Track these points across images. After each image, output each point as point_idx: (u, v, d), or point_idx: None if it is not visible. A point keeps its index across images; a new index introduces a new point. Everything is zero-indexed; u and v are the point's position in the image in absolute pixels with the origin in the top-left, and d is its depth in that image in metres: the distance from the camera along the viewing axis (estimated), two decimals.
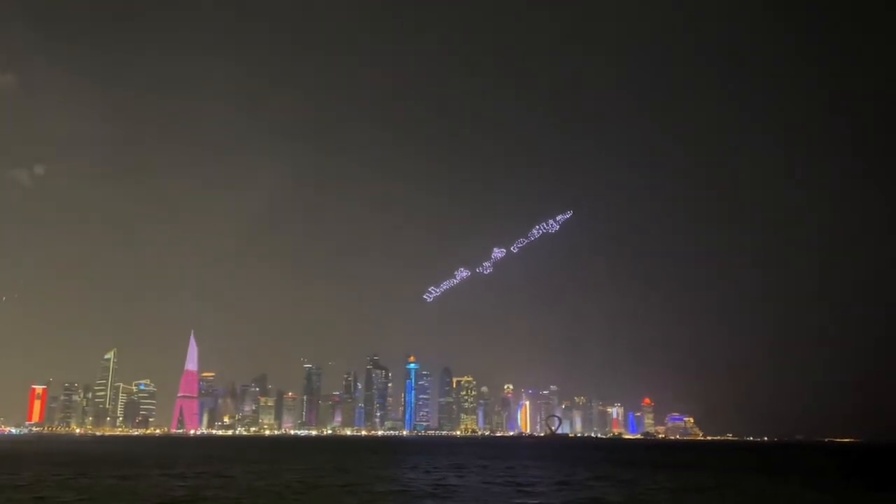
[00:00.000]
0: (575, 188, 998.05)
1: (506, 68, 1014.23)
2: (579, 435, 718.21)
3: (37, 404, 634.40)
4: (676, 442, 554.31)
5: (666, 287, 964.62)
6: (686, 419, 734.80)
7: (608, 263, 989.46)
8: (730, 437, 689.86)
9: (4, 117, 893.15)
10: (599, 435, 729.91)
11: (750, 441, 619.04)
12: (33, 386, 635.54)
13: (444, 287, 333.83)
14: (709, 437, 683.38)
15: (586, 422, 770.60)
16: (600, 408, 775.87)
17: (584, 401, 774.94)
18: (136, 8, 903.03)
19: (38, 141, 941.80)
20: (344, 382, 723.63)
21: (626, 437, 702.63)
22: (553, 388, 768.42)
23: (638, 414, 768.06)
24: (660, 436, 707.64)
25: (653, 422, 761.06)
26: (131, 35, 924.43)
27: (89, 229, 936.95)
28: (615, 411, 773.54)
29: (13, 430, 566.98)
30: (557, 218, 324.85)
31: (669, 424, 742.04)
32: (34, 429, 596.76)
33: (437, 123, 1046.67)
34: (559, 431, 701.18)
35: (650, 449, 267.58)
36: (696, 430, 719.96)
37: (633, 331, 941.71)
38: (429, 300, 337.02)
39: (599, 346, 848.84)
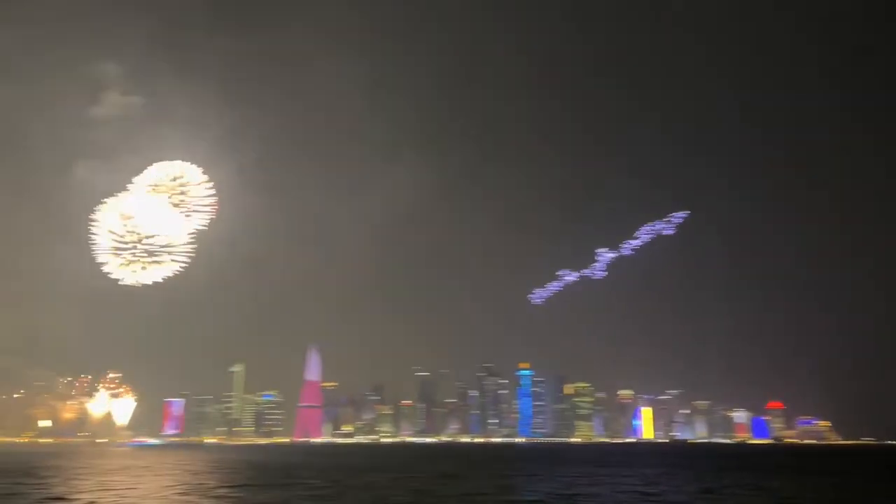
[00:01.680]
0: (689, 185, 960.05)
1: (619, 68, 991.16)
2: (703, 440, 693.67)
3: (172, 416, 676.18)
4: (809, 447, 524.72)
5: (789, 285, 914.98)
6: (817, 422, 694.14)
7: (727, 262, 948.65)
8: (868, 440, 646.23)
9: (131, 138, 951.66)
10: (724, 440, 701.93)
11: (890, 445, 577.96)
12: (169, 399, 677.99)
13: (551, 289, 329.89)
14: (844, 442, 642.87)
15: (709, 427, 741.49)
16: (724, 412, 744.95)
17: (707, 405, 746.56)
18: (253, 21, 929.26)
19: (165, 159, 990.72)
20: (458, 390, 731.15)
21: (753, 442, 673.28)
22: (673, 392, 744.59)
23: (765, 418, 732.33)
24: (789, 440, 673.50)
25: (782, 426, 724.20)
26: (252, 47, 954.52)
27: None
28: (740, 416, 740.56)
29: (152, 441, 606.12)
30: (670, 216, 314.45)
31: (799, 428, 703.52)
32: (170, 439, 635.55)
33: (539, 122, 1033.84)
34: (681, 437, 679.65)
35: (782, 454, 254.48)
36: (830, 433, 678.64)
37: (756, 332, 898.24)
38: (537, 302, 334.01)
39: (720, 348, 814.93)
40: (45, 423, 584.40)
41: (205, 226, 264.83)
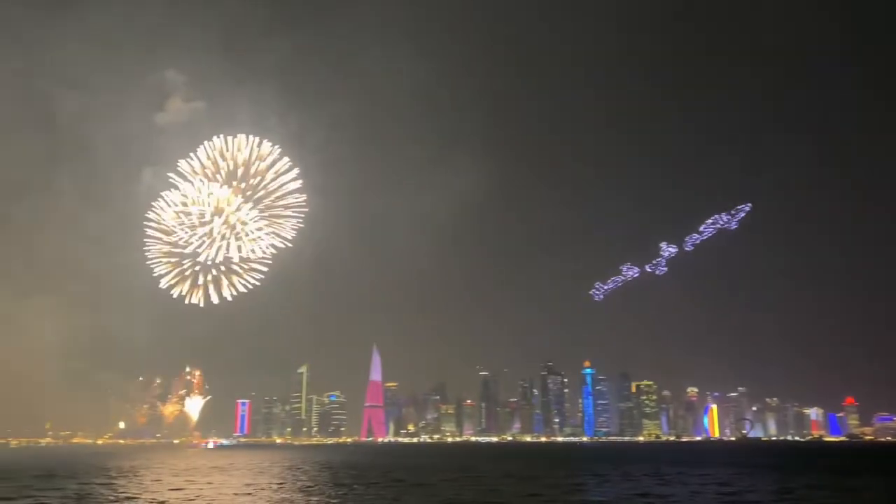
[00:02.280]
0: (753, 179, 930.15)
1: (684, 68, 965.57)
2: (774, 438, 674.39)
3: (242, 418, 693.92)
4: (890, 444, 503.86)
5: (866, 278, 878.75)
6: None
7: (796, 255, 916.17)
8: None
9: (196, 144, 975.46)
10: (797, 438, 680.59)
11: None
12: (238, 401, 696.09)
13: (613, 285, 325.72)
14: None
15: (781, 425, 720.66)
16: (796, 409, 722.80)
17: (777, 402, 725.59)
18: (310, 22, 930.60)
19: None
20: (520, 389, 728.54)
21: (828, 439, 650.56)
22: (741, 389, 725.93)
23: (840, 415, 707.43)
24: (867, 437, 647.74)
25: (858, 422, 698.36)
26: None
27: None
28: (813, 412, 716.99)
29: (224, 442, 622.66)
30: (733, 211, 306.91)
31: (877, 425, 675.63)
32: (241, 439, 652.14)
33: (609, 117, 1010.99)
34: (751, 435, 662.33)
35: (861, 453, 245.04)
36: None
37: (829, 327, 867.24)
38: (597, 298, 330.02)
39: (790, 344, 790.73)
40: (121, 425, 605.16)
41: (288, 239, 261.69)
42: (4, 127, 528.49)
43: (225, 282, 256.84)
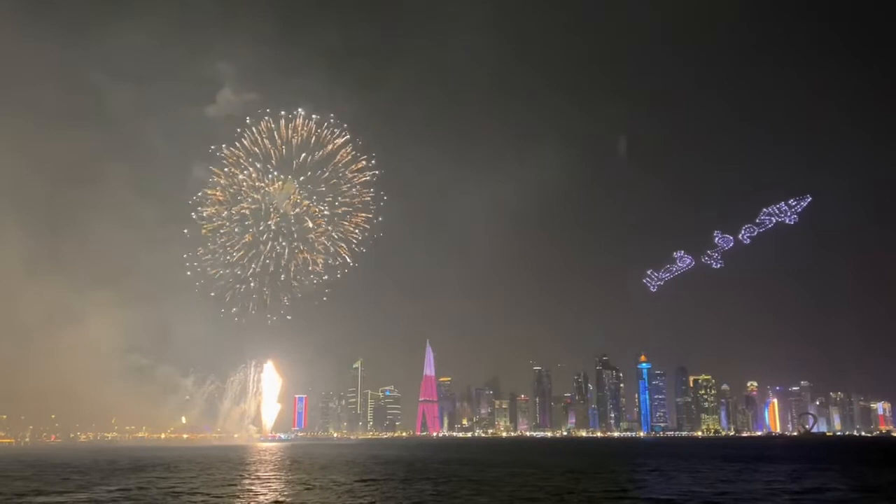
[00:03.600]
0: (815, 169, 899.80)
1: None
2: (839, 433, 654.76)
3: (300, 413, 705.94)
4: None
5: None
6: None
7: (859, 247, 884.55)
8: None
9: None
10: (863, 433, 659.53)
11: None
12: (296, 396, 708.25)
13: (666, 274, 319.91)
14: None
15: (845, 419, 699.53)
16: (861, 403, 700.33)
17: (842, 396, 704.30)
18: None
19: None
20: (574, 384, 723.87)
21: None
22: (804, 383, 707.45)
23: None
24: None
25: None
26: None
27: None
28: (881, 407, 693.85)
29: (282, 436, 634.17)
30: (793, 202, 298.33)
31: None
32: (299, 434, 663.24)
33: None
34: (815, 430, 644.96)
35: None
36: None
37: (892, 321, 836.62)
38: (651, 288, 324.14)
39: (855, 337, 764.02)
40: (182, 421, 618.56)
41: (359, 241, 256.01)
42: (58, 119, 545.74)
43: (281, 296, 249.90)
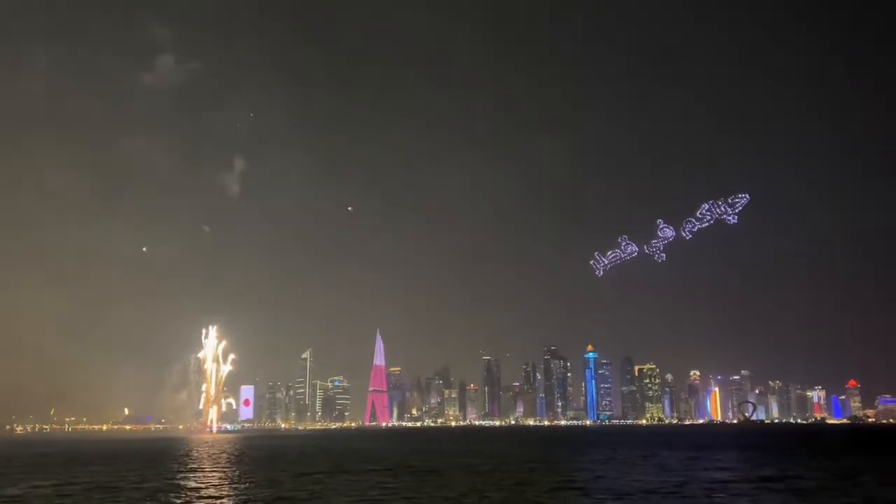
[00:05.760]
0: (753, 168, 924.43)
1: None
2: (776, 421, 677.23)
3: (248, 403, 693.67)
4: (892, 427, 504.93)
5: (862, 268, 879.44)
6: None
7: (796, 241, 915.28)
8: None
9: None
10: (800, 420, 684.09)
11: None
12: (243, 386, 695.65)
13: (612, 259, 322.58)
14: None
15: (783, 407, 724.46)
16: (798, 392, 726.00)
17: (780, 385, 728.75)
18: None
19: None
20: (523, 373, 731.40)
21: (831, 421, 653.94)
22: (744, 373, 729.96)
23: (842, 397, 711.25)
24: (870, 420, 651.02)
25: (860, 405, 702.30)
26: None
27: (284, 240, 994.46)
28: (816, 395, 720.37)
29: (228, 426, 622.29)
30: (733, 199, 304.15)
31: (881, 407, 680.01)
32: (245, 424, 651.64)
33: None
34: (754, 418, 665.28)
35: (866, 434, 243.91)
36: None
37: (830, 312, 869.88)
38: (597, 272, 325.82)
39: (792, 328, 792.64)
40: (125, 413, 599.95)
41: None
42: None
43: None
